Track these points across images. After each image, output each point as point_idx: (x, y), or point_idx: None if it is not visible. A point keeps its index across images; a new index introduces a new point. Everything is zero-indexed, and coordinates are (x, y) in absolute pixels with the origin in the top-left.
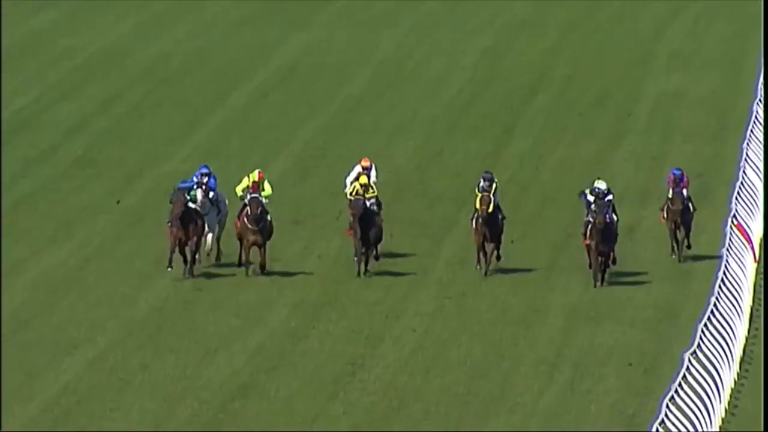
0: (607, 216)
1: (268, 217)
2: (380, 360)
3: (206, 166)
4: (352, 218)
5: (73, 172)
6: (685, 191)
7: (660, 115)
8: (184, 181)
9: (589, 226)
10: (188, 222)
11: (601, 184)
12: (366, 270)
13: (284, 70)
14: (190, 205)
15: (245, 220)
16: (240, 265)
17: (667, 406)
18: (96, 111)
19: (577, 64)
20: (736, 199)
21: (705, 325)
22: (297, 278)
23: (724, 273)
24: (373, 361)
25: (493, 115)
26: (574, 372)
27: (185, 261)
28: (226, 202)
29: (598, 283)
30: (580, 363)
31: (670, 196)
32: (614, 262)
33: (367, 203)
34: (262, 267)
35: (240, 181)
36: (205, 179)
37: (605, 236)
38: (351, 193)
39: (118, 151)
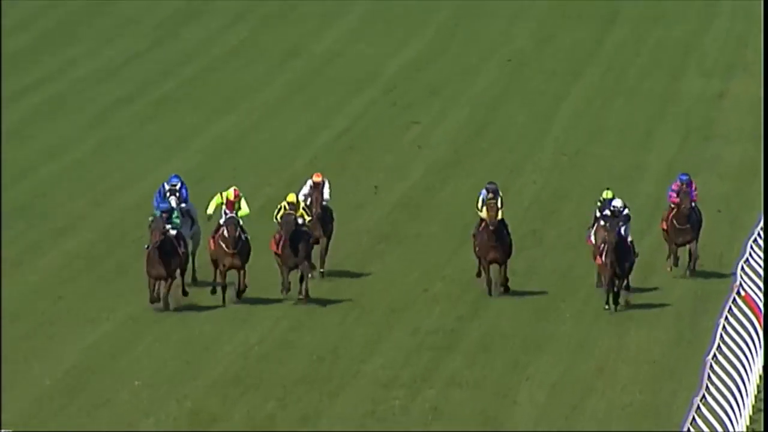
0: (623, 232)
1: (246, 237)
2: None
3: (177, 176)
4: (283, 235)
5: (237, 53)
6: (695, 193)
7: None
8: (161, 202)
9: (603, 245)
10: (168, 254)
11: (616, 201)
12: (306, 296)
13: None
14: (172, 232)
15: (221, 242)
16: (214, 291)
17: (743, 269)
18: None
19: None
20: None
21: None
22: (433, 137)
23: None
24: None
25: (595, 3)
26: None
27: (156, 295)
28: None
29: (609, 306)
30: None
31: (674, 202)
32: (627, 287)
33: (299, 221)
34: (241, 291)
35: (211, 199)
36: (177, 189)
37: (620, 255)
38: (278, 215)
39: (277, 32)
